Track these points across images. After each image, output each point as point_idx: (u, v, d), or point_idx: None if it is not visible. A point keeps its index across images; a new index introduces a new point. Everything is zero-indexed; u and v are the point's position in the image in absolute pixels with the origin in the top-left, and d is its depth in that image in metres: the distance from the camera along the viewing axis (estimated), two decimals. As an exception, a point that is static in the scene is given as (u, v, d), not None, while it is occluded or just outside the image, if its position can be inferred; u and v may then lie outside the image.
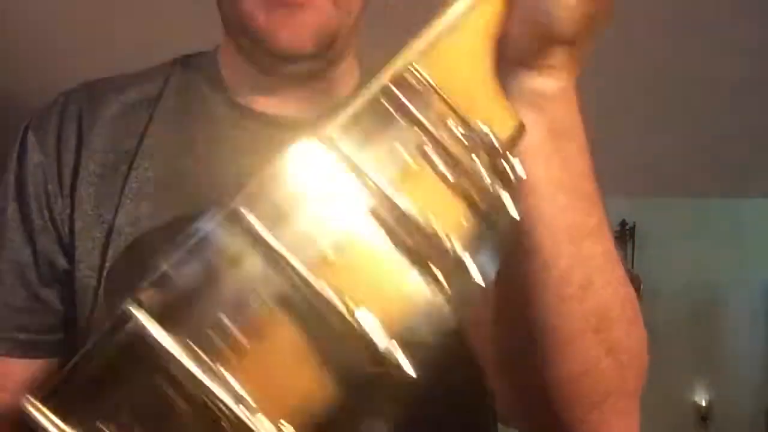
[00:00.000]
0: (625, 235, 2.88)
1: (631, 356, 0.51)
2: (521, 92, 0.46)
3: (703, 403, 2.94)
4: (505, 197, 0.40)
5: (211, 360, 0.33)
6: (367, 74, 0.75)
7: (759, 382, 2.98)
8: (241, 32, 0.75)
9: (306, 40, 0.72)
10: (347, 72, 0.81)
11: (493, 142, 0.40)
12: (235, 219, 0.33)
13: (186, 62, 0.83)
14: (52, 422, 0.32)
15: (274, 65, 0.75)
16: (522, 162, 0.41)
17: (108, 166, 0.74)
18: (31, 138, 0.76)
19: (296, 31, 0.71)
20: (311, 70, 0.76)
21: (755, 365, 3.01)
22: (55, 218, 0.72)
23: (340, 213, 0.36)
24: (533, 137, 0.45)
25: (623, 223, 2.88)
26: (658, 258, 2.86)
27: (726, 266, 2.94)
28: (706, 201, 2.90)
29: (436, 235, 0.37)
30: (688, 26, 1.95)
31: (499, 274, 0.40)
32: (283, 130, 0.76)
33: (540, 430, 0.57)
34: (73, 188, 0.73)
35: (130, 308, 0.32)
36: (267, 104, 0.78)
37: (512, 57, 0.45)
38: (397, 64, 0.40)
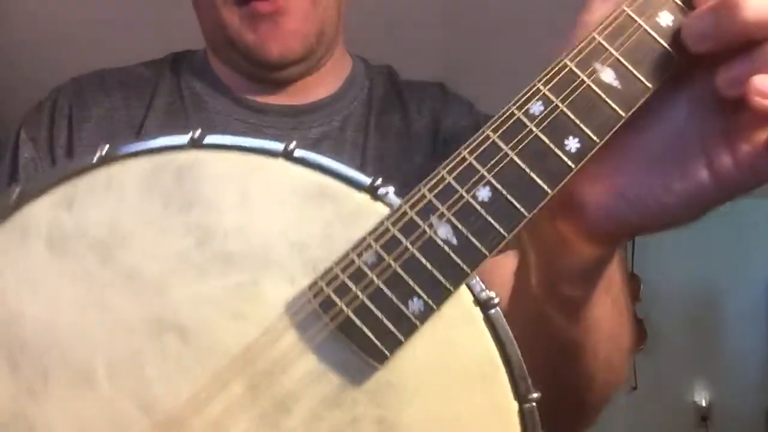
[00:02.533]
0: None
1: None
2: (586, 260, 0.48)
3: (703, 403, 2.99)
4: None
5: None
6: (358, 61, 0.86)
7: (759, 382, 3.04)
8: (230, 49, 0.77)
9: (294, 46, 0.74)
10: (338, 61, 0.84)
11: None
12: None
13: (177, 59, 0.84)
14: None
15: (263, 74, 0.78)
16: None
17: None
18: (23, 135, 0.76)
19: (283, 40, 0.74)
20: (300, 73, 0.78)
21: (755, 365, 3.07)
22: None
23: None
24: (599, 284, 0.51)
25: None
26: (658, 258, 2.83)
27: (726, 266, 2.94)
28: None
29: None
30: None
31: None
32: (278, 117, 0.79)
33: None
34: None
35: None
36: (260, 96, 0.80)
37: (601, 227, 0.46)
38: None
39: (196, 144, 0.44)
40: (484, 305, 0.42)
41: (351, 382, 0.41)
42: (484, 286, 0.42)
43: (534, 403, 0.41)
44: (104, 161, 0.43)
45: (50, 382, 0.42)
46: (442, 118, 0.83)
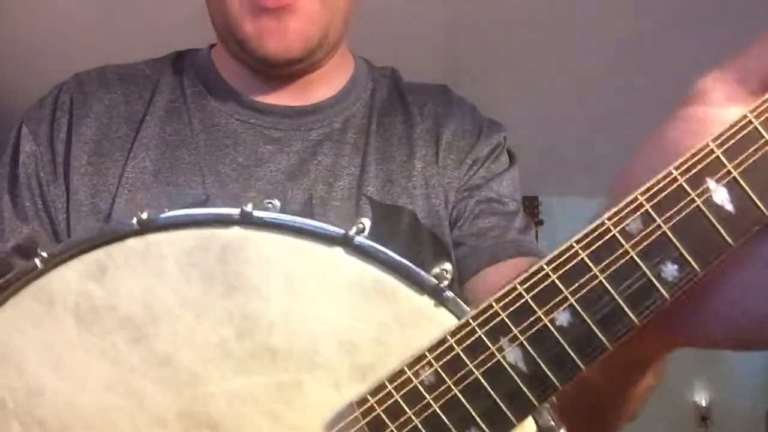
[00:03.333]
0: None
1: None
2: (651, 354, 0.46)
3: (703, 403, 2.93)
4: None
5: None
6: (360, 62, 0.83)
7: (759, 382, 2.97)
8: (230, 39, 0.75)
9: (293, 45, 0.71)
10: (341, 62, 0.81)
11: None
12: None
13: (180, 58, 0.82)
14: None
15: (263, 68, 0.75)
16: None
17: (102, 154, 0.73)
18: (24, 129, 0.76)
19: (284, 38, 0.70)
20: (299, 71, 0.76)
21: (755, 365, 2.99)
22: (49, 206, 0.72)
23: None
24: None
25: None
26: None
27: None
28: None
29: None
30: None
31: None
32: (279, 118, 0.77)
33: None
34: (66, 178, 0.72)
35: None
36: (262, 96, 0.77)
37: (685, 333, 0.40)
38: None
39: (246, 219, 0.39)
40: (548, 438, 0.38)
41: None
42: (550, 417, 0.38)
43: None
44: (143, 229, 0.39)
45: (68, 465, 0.38)
46: (444, 122, 0.81)
